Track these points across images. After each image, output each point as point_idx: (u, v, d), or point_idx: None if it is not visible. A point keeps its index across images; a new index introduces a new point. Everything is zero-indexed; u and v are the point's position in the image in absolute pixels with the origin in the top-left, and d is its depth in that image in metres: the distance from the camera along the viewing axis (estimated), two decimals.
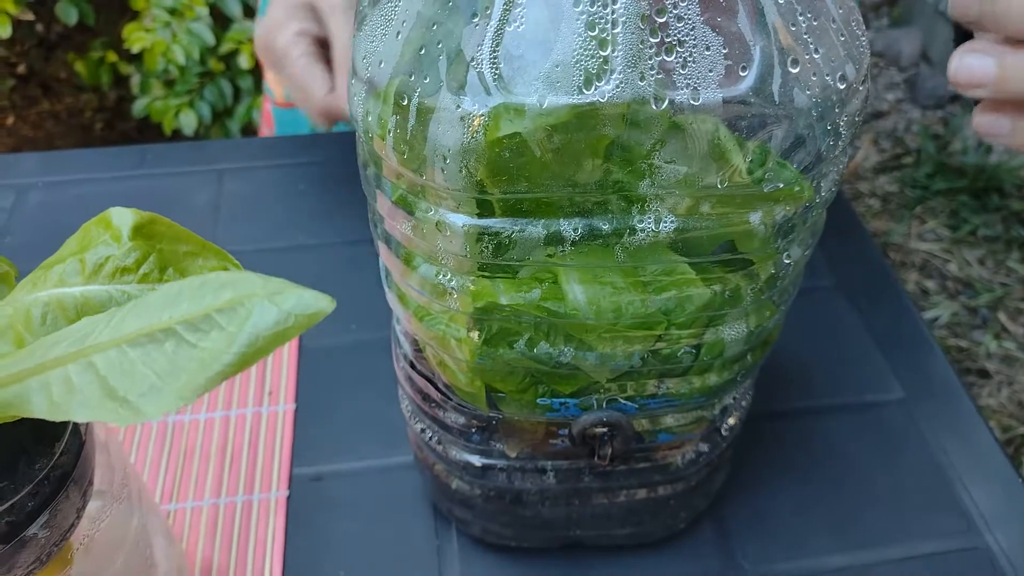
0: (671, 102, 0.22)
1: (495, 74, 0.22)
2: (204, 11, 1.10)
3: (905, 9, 1.90)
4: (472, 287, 0.27)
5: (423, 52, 0.23)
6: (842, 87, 0.23)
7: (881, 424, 0.46)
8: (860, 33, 0.24)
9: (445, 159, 0.24)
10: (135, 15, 1.20)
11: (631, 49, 0.22)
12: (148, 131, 1.51)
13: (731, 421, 0.35)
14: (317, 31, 0.51)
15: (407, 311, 0.31)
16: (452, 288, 0.28)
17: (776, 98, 0.22)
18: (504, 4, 0.22)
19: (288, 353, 0.51)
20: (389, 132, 0.24)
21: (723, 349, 0.29)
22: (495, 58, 0.22)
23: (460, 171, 0.24)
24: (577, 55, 0.22)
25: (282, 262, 0.56)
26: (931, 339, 0.50)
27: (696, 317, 0.28)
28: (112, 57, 1.33)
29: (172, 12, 1.10)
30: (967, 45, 0.24)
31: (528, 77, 0.22)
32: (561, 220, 0.25)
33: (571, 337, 0.29)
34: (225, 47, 1.12)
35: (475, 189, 0.24)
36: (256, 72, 1.16)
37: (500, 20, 0.22)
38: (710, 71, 0.22)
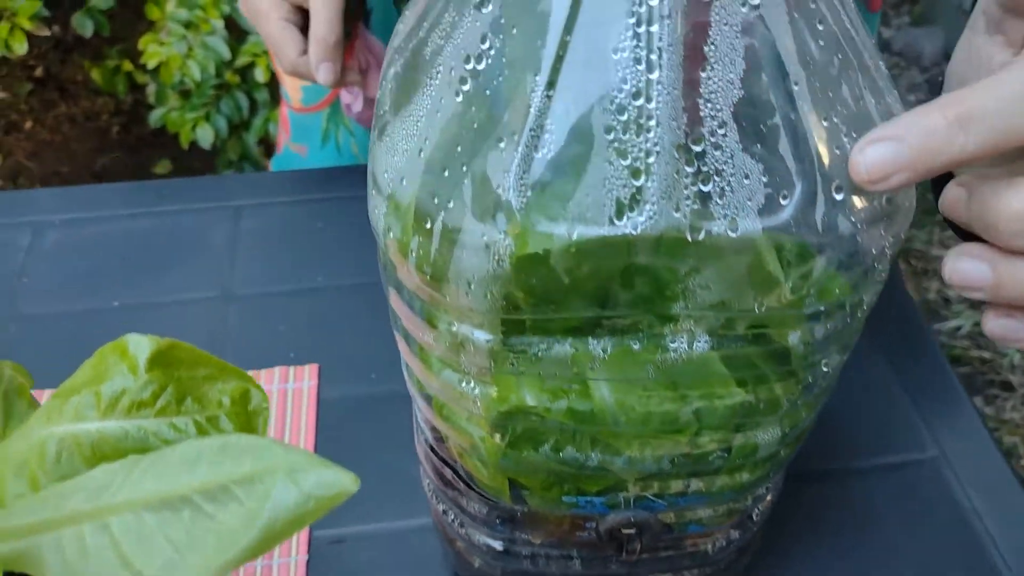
0: (708, 233, 0.21)
1: (522, 202, 0.21)
2: (219, 24, 1.09)
3: (927, 7, 1.85)
4: (495, 394, 0.26)
5: (447, 174, 0.22)
6: (888, 207, 0.22)
7: (914, 486, 0.45)
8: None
9: (470, 284, 0.23)
10: (151, 24, 1.19)
11: (666, 179, 0.21)
12: (164, 138, 1.52)
13: (762, 507, 0.34)
14: (298, 1, 0.53)
15: (426, 403, 0.30)
16: (475, 395, 0.27)
17: (819, 227, 0.21)
18: (532, 129, 0.21)
19: (307, 404, 0.51)
20: (411, 252, 0.23)
21: (756, 450, 0.28)
22: (522, 185, 0.21)
23: (485, 296, 0.23)
24: (608, 184, 0.21)
25: (300, 305, 0.55)
26: (965, 397, 0.49)
27: (728, 422, 0.27)
28: (128, 66, 1.33)
29: (187, 25, 1.09)
30: (960, 249, 0.22)
31: (556, 206, 0.21)
32: (589, 339, 0.24)
33: (598, 440, 0.28)
34: (241, 60, 1.11)
35: (501, 311, 0.23)
36: (272, 85, 1.15)
37: (528, 145, 0.21)
38: (749, 200, 0.21)
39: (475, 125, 0.22)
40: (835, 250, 0.22)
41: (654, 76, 0.20)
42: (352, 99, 0.66)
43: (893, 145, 0.20)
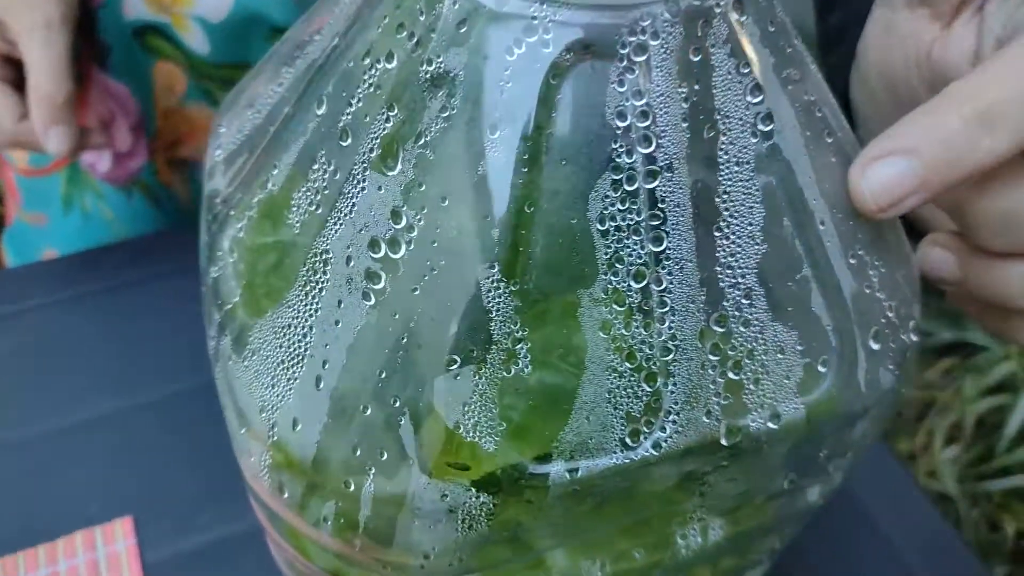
0: (745, 432, 0.16)
1: (495, 439, 0.15)
2: None
3: None
4: None
5: (368, 413, 0.15)
6: (915, 339, 0.18)
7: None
8: (908, 249, 0.19)
9: (427, 556, 0.16)
10: None
11: (689, 378, 0.15)
12: None
13: None
14: (5, 50, 0.41)
15: None
16: None
17: (863, 387, 0.17)
18: (499, 338, 0.14)
19: (129, 570, 0.40)
20: (324, 521, 0.16)
21: None
22: (492, 419, 0.15)
23: (450, 564, 0.16)
24: (615, 398, 0.15)
25: (89, 442, 0.43)
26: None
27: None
28: None
29: None
30: (933, 237, 0.19)
31: (546, 438, 0.15)
32: (583, 560, 0.18)
33: None
34: None
35: (469, 570, 0.17)
36: None
37: (494, 363, 0.14)
38: (787, 379, 0.16)
39: (404, 340, 0.15)
40: (878, 407, 0.17)
41: (660, 248, 0.14)
42: (96, 158, 0.53)
43: (903, 161, 0.16)
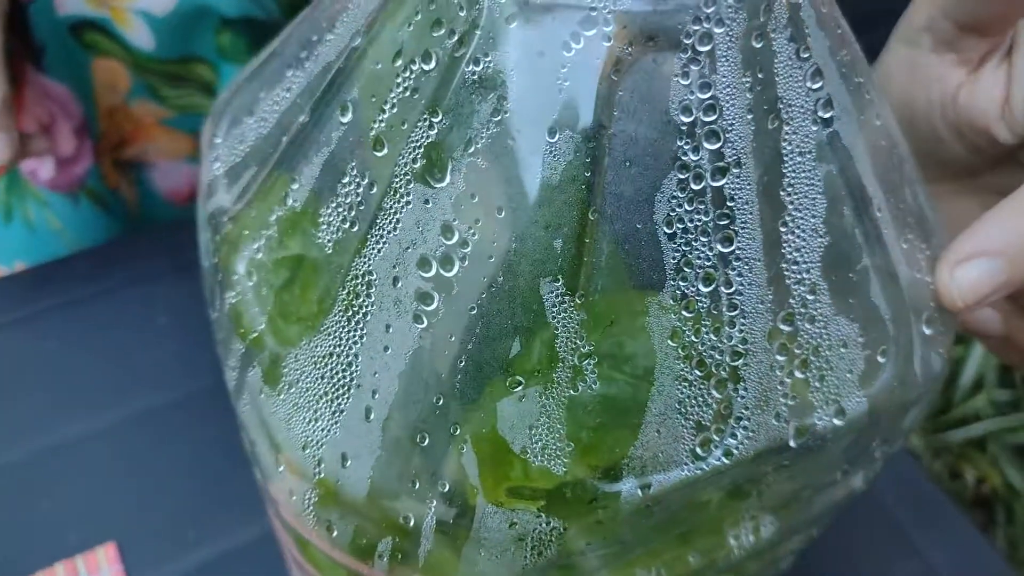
0: (812, 430, 0.15)
1: (566, 461, 0.14)
2: None
3: None
4: None
5: (426, 443, 0.14)
6: (955, 318, 0.18)
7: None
8: (944, 228, 0.19)
9: None
10: None
11: (760, 381, 0.14)
12: None
13: None
14: None
15: None
16: None
17: (919, 375, 0.16)
18: (564, 355, 0.13)
19: None
20: (380, 558, 0.15)
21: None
22: (560, 440, 0.14)
23: None
24: (686, 408, 0.14)
25: (62, 467, 0.41)
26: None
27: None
28: None
29: None
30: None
31: (617, 455, 0.14)
32: (640, 570, 0.17)
33: None
34: None
35: None
36: None
37: (560, 382, 0.14)
38: (849, 372, 0.15)
39: (461, 364, 0.14)
40: (929, 394, 0.17)
41: (730, 249, 0.14)
42: (37, 164, 0.50)
43: (989, 263, 0.16)
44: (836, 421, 0.15)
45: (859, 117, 0.15)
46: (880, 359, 0.16)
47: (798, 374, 0.15)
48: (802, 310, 0.15)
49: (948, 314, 0.17)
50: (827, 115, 0.14)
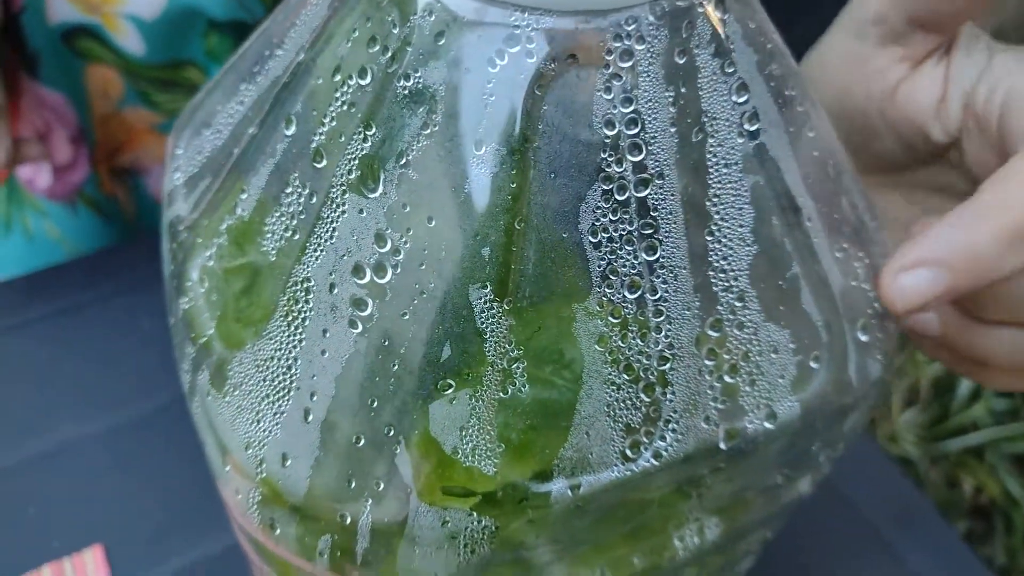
0: (743, 434, 0.16)
1: (494, 461, 0.14)
2: None
3: None
4: None
5: (361, 444, 0.14)
6: (895, 327, 0.18)
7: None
8: (886, 238, 0.19)
9: None
10: None
11: (688, 385, 0.15)
12: None
13: None
14: None
15: None
16: None
17: (854, 381, 0.17)
18: (493, 361, 0.14)
19: None
20: (320, 555, 0.15)
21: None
22: (491, 442, 0.14)
23: None
24: (614, 411, 0.15)
25: (42, 475, 0.41)
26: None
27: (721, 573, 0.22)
28: None
29: None
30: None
31: (547, 456, 0.14)
32: (583, 570, 0.18)
33: None
34: None
35: None
36: None
37: (490, 385, 0.14)
38: (781, 377, 0.16)
39: (394, 367, 0.14)
40: (867, 399, 0.17)
41: (654, 257, 0.14)
42: (34, 172, 0.51)
43: (932, 272, 0.16)
44: (767, 425, 0.16)
45: (789, 129, 0.15)
46: (813, 365, 0.16)
47: (728, 379, 0.15)
48: (730, 317, 0.15)
49: (889, 321, 0.18)
50: (753, 128, 0.15)
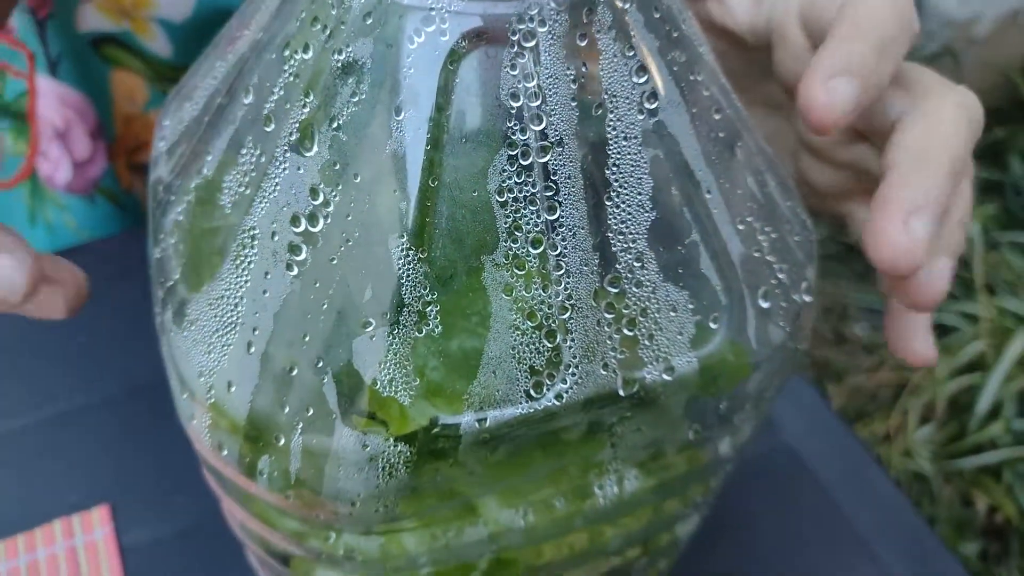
0: (641, 383, 0.17)
1: (410, 395, 0.16)
2: None
3: None
4: None
5: (295, 373, 0.16)
6: (808, 299, 0.20)
7: (772, 471, 0.46)
8: (805, 217, 0.21)
9: (354, 504, 0.17)
10: None
11: (586, 334, 0.17)
12: None
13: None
14: None
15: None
16: None
17: (753, 342, 0.18)
18: (409, 303, 0.16)
19: (106, 560, 0.41)
20: (260, 474, 0.17)
21: (677, 541, 0.26)
22: (406, 375, 0.16)
23: (375, 511, 0.17)
24: (519, 354, 0.16)
25: (56, 437, 0.44)
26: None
27: (655, 531, 0.24)
28: None
29: None
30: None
31: (456, 391, 0.16)
32: (504, 511, 0.20)
33: None
34: None
35: (397, 516, 0.18)
36: None
37: (404, 324, 0.16)
38: (680, 334, 0.17)
39: (324, 306, 0.16)
40: (770, 361, 0.19)
41: (555, 216, 0.16)
42: (53, 169, 0.53)
43: (850, 81, 0.18)
44: (665, 376, 0.17)
45: (691, 110, 0.17)
46: (712, 325, 0.18)
47: (626, 331, 0.17)
48: (629, 275, 0.17)
49: (792, 289, 0.19)
50: (652, 106, 0.16)
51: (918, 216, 0.18)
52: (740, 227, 0.18)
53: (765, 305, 0.18)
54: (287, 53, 0.16)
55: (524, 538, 0.20)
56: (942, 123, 0.19)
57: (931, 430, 1.17)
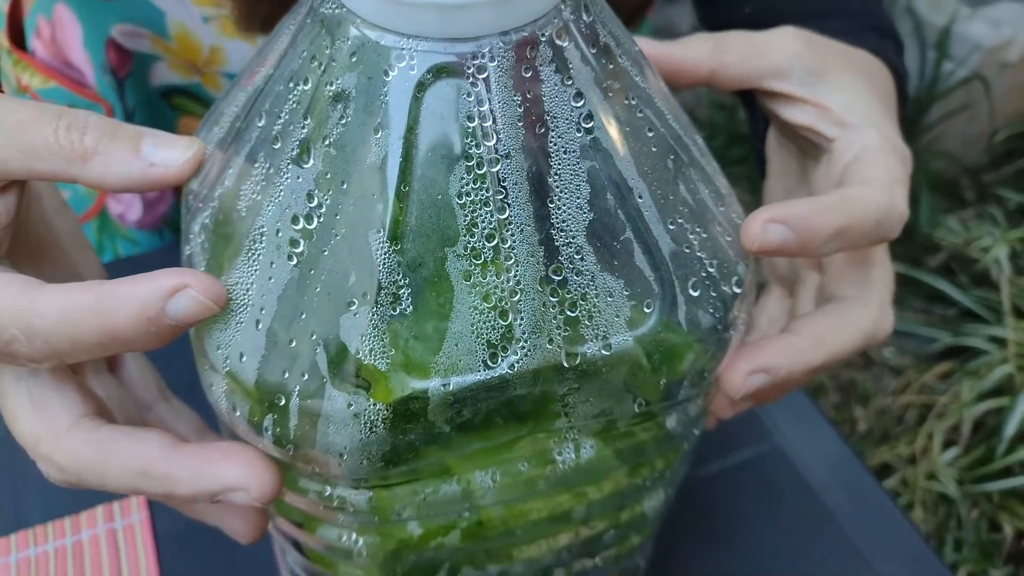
0: (583, 356, 0.21)
1: (387, 363, 0.20)
2: None
3: None
4: (380, 540, 0.25)
5: (293, 345, 0.20)
6: (739, 291, 0.23)
7: (763, 476, 0.48)
8: (740, 221, 0.24)
9: (342, 456, 0.20)
10: None
11: (534, 314, 0.20)
12: None
13: (647, 549, 0.35)
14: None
15: (297, 550, 0.28)
16: (358, 546, 0.25)
17: (684, 325, 0.21)
18: (383, 287, 0.19)
19: (142, 543, 0.45)
20: (266, 431, 0.21)
21: (644, 516, 0.29)
22: (384, 346, 0.20)
23: (361, 463, 0.21)
24: (477, 329, 0.20)
25: None
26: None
27: (618, 503, 0.27)
28: None
29: None
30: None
31: (425, 360, 0.20)
32: (476, 473, 0.23)
33: (493, 552, 0.27)
34: None
35: (380, 470, 0.21)
36: None
37: (382, 304, 0.19)
38: (616, 316, 0.21)
39: (317, 289, 0.20)
40: (702, 342, 0.22)
41: (505, 216, 0.19)
42: (124, 208, 0.57)
43: (785, 229, 0.23)
44: (604, 352, 0.21)
45: (625, 129, 0.20)
46: (646, 309, 0.21)
47: (569, 313, 0.20)
48: (570, 265, 0.20)
49: (722, 282, 0.22)
50: (588, 125, 0.20)
51: (763, 375, 0.25)
52: (671, 227, 0.21)
53: (695, 293, 0.22)
54: (291, 84, 0.20)
55: (495, 496, 0.23)
56: (853, 333, 0.26)
57: (956, 453, 1.17)
